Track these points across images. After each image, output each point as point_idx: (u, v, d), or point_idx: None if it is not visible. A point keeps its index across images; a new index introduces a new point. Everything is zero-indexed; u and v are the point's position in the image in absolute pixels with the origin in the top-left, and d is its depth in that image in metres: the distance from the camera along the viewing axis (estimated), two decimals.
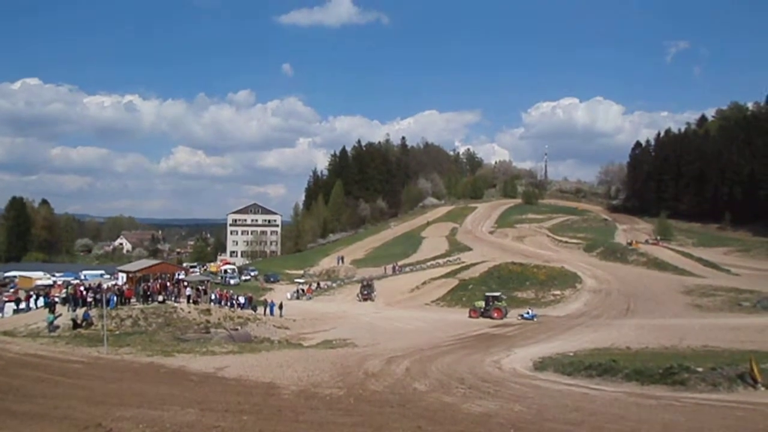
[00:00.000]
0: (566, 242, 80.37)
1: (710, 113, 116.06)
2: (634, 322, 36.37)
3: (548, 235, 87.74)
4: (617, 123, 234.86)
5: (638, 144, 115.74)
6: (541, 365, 20.43)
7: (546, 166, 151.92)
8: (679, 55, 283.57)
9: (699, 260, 62.72)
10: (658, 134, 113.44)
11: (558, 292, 49.98)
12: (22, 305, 39.84)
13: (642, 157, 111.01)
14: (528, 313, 40.64)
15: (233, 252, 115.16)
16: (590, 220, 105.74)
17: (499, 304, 41.39)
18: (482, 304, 41.93)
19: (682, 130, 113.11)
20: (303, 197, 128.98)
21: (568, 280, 52.96)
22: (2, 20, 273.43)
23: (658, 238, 79.89)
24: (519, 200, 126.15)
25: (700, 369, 16.38)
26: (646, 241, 76.55)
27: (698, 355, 22.23)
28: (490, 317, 40.05)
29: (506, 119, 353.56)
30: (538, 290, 50.75)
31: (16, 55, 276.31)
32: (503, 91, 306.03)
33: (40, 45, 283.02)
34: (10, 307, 38.35)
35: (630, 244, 72.98)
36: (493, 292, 44.62)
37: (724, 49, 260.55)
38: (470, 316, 40.99)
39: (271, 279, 70.95)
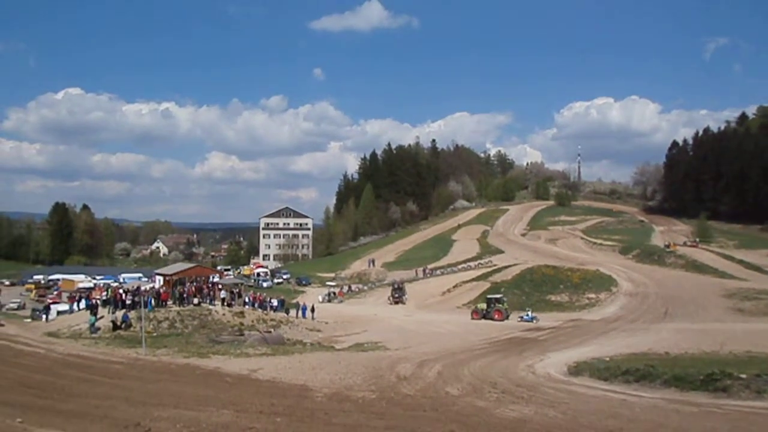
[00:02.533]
0: (601, 244, 78.85)
1: (751, 111, 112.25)
2: (673, 327, 35.40)
3: (582, 237, 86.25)
4: (654, 122, 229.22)
5: (675, 143, 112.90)
6: (576, 370, 20.03)
7: (579, 167, 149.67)
8: (718, 51, 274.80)
9: (740, 262, 60.71)
10: (696, 133, 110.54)
11: (593, 296, 49.04)
12: (65, 307, 41.29)
13: (679, 157, 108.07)
14: (527, 315, 41.50)
15: (266, 255, 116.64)
16: (626, 221, 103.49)
17: (500, 306, 42.43)
18: (484, 306, 43.02)
19: (722, 128, 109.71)
20: (334, 201, 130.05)
21: (603, 283, 51.92)
22: (45, 31, 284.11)
23: (697, 240, 77.66)
24: (552, 202, 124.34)
25: (743, 375, 15.80)
26: (685, 243, 74.48)
27: (741, 361, 21.45)
28: (492, 319, 41.13)
29: (538, 120, 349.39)
30: (572, 293, 49.88)
31: (60, 66, 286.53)
32: (535, 92, 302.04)
33: (82, 55, 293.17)
34: (55, 309, 39.75)
35: (668, 246, 71.14)
36: (496, 295, 45.60)
37: (764, 44, 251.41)
38: (472, 318, 41.98)
39: (303, 282, 71.63)
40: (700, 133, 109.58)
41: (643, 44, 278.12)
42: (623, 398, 15.07)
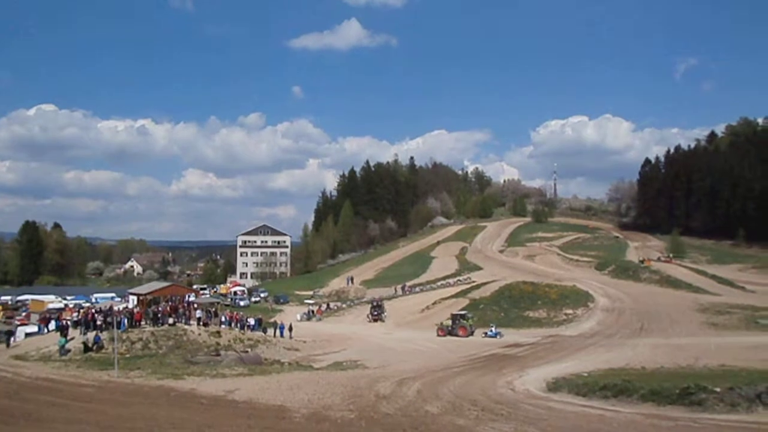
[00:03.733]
0: (577, 260, 79.76)
1: (720, 129, 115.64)
2: (649, 342, 35.81)
3: (559, 254, 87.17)
4: (627, 140, 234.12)
5: (648, 161, 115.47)
6: (554, 386, 20.10)
7: (555, 184, 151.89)
8: (688, 71, 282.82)
9: (713, 277, 61.88)
10: (668, 151, 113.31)
11: (570, 311, 49.40)
12: (34, 328, 40.02)
13: (652, 174, 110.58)
14: (491, 330, 41.95)
15: (243, 273, 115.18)
16: (601, 237, 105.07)
17: (464, 322, 42.96)
18: (449, 322, 43.45)
19: (692, 146, 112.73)
20: (312, 218, 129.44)
21: (580, 298, 52.38)
22: (18, 48, 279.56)
23: (671, 255, 79.04)
24: (529, 219, 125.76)
25: (717, 389, 16.04)
26: (659, 259, 75.76)
27: (715, 375, 21.74)
28: (456, 335, 41.65)
29: (515, 138, 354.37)
30: (550, 309, 50.18)
31: (32, 82, 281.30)
32: (512, 110, 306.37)
33: (56, 72, 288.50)
34: (22, 330, 38.52)
35: (642, 261, 72.26)
36: (461, 311, 46.10)
37: (733, 64, 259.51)
38: (438, 335, 42.44)
39: (281, 300, 70.80)
40: (672, 150, 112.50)
41: (616, 64, 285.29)
42: (601, 413, 15.15)
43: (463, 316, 44.00)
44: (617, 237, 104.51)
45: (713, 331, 39.72)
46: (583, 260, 79.24)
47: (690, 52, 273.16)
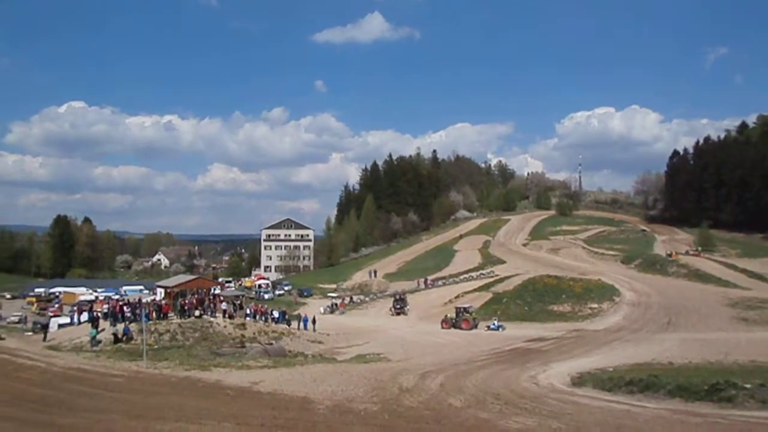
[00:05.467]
0: (603, 254, 78.66)
1: (751, 119, 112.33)
2: (676, 336, 35.22)
3: (584, 247, 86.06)
4: (654, 131, 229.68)
5: (676, 152, 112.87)
6: (579, 381, 19.91)
7: (580, 177, 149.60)
8: (718, 60, 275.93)
9: (744, 271, 60.49)
10: (697, 142, 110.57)
11: (595, 306, 48.83)
12: (67, 320, 41.21)
13: (680, 166, 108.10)
14: (494, 323, 43.34)
15: (267, 267, 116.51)
16: (627, 231, 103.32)
17: (468, 315, 44.47)
18: (453, 315, 44.90)
19: (722, 137, 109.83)
20: (335, 212, 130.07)
21: (605, 293, 51.71)
22: (49, 46, 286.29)
23: (700, 248, 77.44)
24: (553, 212, 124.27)
25: (748, 385, 15.69)
26: (687, 252, 74.27)
27: (746, 371, 21.31)
28: (460, 328, 42.85)
29: (539, 130, 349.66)
30: (575, 303, 49.66)
31: (63, 80, 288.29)
32: (536, 102, 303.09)
33: (86, 69, 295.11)
34: (55, 322, 39.66)
35: (670, 255, 70.93)
36: (464, 305, 47.78)
37: (764, 53, 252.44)
38: (442, 327, 43.59)
39: (305, 293, 71.48)
40: (701, 142, 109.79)
41: (644, 54, 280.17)
42: (627, 409, 14.96)
43: (466, 310, 45.64)
44: (644, 230, 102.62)
45: (743, 326, 38.90)
46: (608, 254, 78.10)
47: (720, 41, 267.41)
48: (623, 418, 13.86)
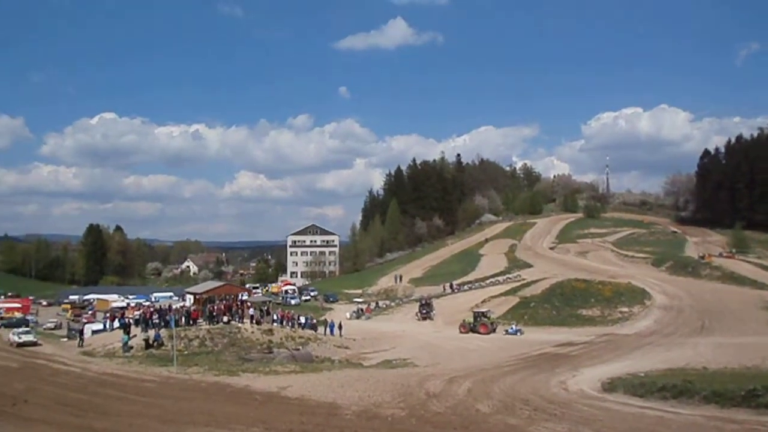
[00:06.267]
0: (632, 257, 77.10)
1: None
2: (711, 341, 34.29)
3: (613, 250, 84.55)
4: (684, 131, 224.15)
5: (707, 152, 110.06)
6: (610, 386, 19.55)
7: (608, 179, 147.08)
8: (750, 57, 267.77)
9: None
10: (729, 141, 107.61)
11: (625, 310, 47.89)
12: (100, 326, 42.21)
13: (712, 166, 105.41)
14: (512, 328, 43.49)
15: (293, 273, 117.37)
16: (657, 233, 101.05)
17: (486, 320, 44.39)
18: (471, 320, 44.87)
19: (755, 135, 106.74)
20: (360, 217, 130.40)
21: (636, 296, 50.68)
22: (82, 60, 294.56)
23: (733, 250, 75.32)
24: (580, 214, 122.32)
25: None
26: (720, 254, 72.31)
27: None
28: (478, 332, 42.93)
29: (565, 132, 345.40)
30: (604, 307, 48.78)
31: (94, 92, 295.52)
32: (561, 104, 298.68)
33: (116, 81, 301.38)
34: (89, 328, 40.62)
35: (702, 257, 69.18)
36: (482, 309, 47.77)
37: None
38: (461, 332, 43.79)
39: (331, 299, 71.77)
40: (733, 140, 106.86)
41: (672, 52, 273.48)
42: (660, 415, 14.65)
43: (484, 314, 45.55)
44: (675, 232, 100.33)
45: None
46: (638, 256, 76.52)
47: (751, 36, 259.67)
48: (656, 424, 13.58)
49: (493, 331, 43.38)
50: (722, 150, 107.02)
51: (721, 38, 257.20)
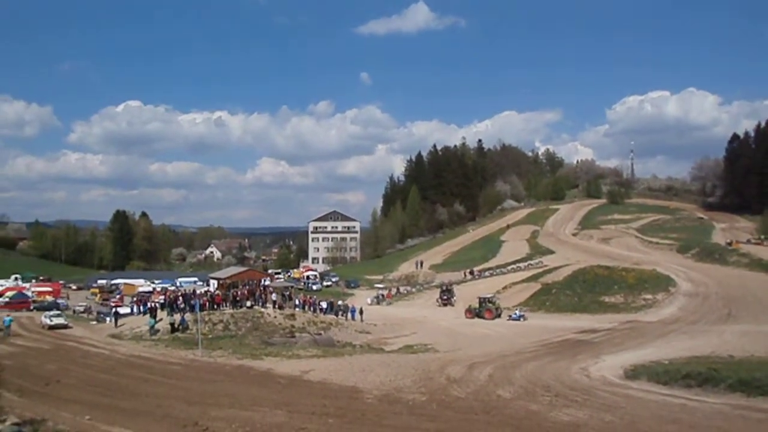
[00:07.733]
0: (657, 243, 75.79)
1: None
2: (737, 329, 33.67)
3: (637, 236, 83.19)
4: (713, 115, 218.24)
5: (736, 136, 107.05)
6: (633, 373, 19.38)
7: (633, 164, 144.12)
8: None
9: None
10: (759, 125, 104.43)
11: (649, 296, 47.23)
12: (127, 310, 43.32)
13: (741, 150, 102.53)
14: (516, 313, 44.33)
15: (315, 258, 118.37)
16: (683, 219, 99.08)
17: (491, 305, 45.29)
18: (477, 305, 45.75)
19: None
20: (381, 203, 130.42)
21: (660, 283, 49.91)
22: (107, 48, 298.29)
23: (762, 237, 73.46)
24: (604, 200, 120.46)
25: None
26: (748, 241, 70.61)
27: None
28: (483, 317, 43.94)
29: (589, 117, 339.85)
30: (627, 294, 48.18)
31: (120, 80, 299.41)
32: (585, 88, 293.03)
33: (141, 69, 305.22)
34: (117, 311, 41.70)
35: (730, 244, 67.62)
36: (487, 295, 48.16)
37: None
38: (466, 317, 44.85)
39: (352, 284, 72.24)
40: (763, 124, 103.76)
41: (700, 33, 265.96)
42: (684, 403, 14.50)
43: (489, 300, 46.28)
44: (701, 218, 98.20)
45: None
46: (663, 243, 75.19)
47: None
48: (680, 412, 13.46)
49: (498, 316, 44.17)
50: (752, 134, 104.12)
51: (751, 17, 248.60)
